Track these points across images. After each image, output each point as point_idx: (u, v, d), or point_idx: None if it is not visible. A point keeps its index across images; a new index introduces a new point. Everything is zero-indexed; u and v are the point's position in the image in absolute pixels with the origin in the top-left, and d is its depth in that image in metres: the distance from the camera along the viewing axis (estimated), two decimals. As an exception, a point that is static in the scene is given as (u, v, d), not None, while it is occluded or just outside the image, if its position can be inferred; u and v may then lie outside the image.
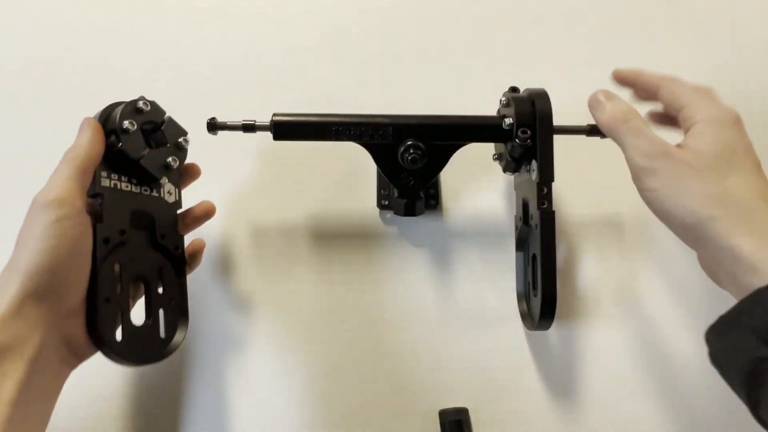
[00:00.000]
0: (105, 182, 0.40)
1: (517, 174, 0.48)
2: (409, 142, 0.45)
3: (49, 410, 0.37)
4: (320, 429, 0.48)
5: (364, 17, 0.57)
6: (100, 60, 0.56)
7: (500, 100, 0.47)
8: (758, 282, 0.32)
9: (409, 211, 0.48)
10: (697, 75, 0.55)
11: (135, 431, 0.48)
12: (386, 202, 0.52)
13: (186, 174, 0.47)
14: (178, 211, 0.46)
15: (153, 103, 0.43)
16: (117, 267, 0.40)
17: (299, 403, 0.48)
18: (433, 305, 0.50)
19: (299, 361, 0.49)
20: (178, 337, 0.43)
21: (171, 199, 0.45)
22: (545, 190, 0.43)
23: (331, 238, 0.52)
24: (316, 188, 0.53)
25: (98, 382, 0.48)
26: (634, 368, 0.49)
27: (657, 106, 0.43)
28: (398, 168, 0.46)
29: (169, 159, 0.43)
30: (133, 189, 0.42)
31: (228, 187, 0.53)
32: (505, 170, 0.48)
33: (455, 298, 0.51)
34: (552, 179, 0.43)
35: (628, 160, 0.38)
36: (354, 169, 0.53)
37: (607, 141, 0.41)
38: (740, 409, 0.35)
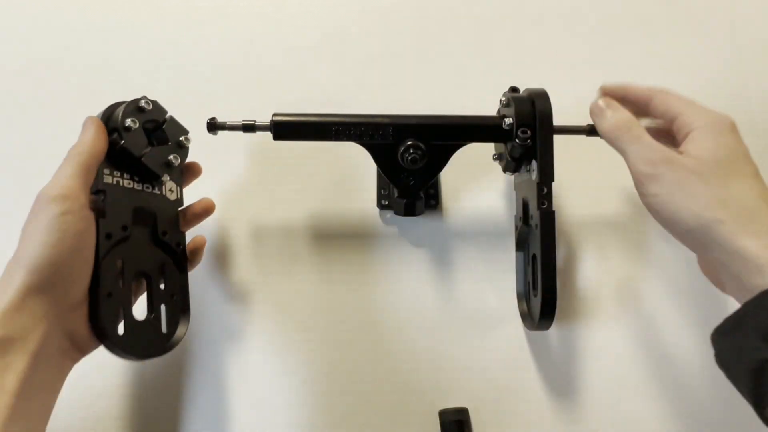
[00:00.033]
0: (108, 179, 0.40)
1: (517, 174, 0.48)
2: (409, 142, 0.45)
3: (52, 402, 0.38)
4: (320, 429, 0.48)
5: (364, 17, 0.57)
6: (100, 60, 0.56)
7: (500, 100, 0.47)
8: (764, 283, 0.33)
9: (409, 211, 0.48)
10: (697, 75, 0.56)
11: (135, 431, 0.48)
12: (386, 202, 0.52)
13: (187, 172, 0.47)
14: (179, 209, 0.46)
15: (155, 103, 0.43)
16: (119, 263, 0.41)
17: (299, 403, 0.48)
18: (433, 305, 0.50)
19: (299, 361, 0.49)
20: (180, 331, 0.44)
21: (172, 196, 0.45)
22: (545, 190, 0.43)
23: (331, 238, 0.52)
24: (316, 188, 0.53)
25: (98, 382, 0.48)
26: (634, 368, 0.49)
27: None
28: (398, 168, 0.46)
29: (171, 157, 0.44)
30: (135, 186, 0.42)
31: (228, 186, 0.53)
32: (505, 170, 0.48)
33: (455, 298, 0.51)
34: (552, 179, 0.43)
35: (631, 166, 0.39)
36: (354, 169, 0.53)
37: (607, 141, 0.41)
38: (740, 408, 0.35)
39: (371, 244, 0.52)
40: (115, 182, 0.41)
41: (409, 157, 0.45)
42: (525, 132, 0.43)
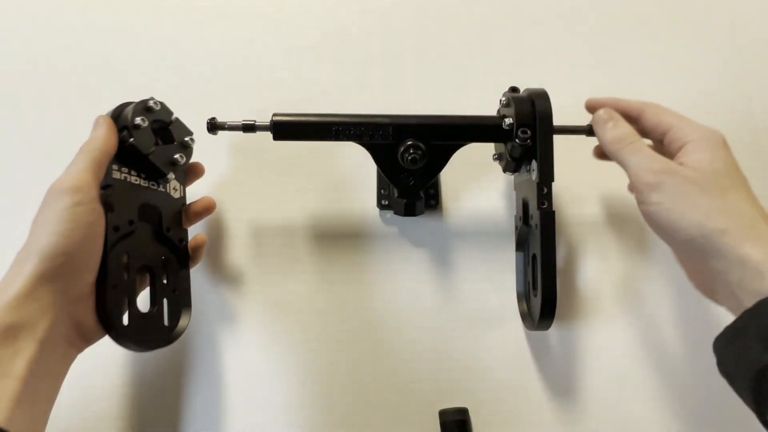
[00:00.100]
0: (116, 174, 0.41)
1: (517, 174, 0.48)
2: (409, 142, 0.45)
3: (56, 389, 0.38)
4: (320, 429, 0.48)
5: (364, 17, 0.57)
6: (100, 60, 0.56)
7: (500, 100, 0.47)
8: (766, 289, 0.33)
9: (409, 211, 0.48)
10: (697, 75, 0.56)
11: (135, 431, 0.48)
12: (386, 202, 0.52)
13: (191, 172, 0.48)
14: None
15: (162, 104, 0.44)
16: (125, 256, 0.42)
17: (298, 404, 0.48)
18: (433, 305, 0.50)
19: (299, 361, 0.49)
20: (182, 323, 0.45)
21: (176, 194, 0.46)
22: (545, 190, 0.43)
23: (331, 238, 0.52)
24: (316, 188, 0.53)
25: (98, 382, 0.48)
26: (634, 368, 0.49)
27: None
28: (398, 168, 0.46)
29: (176, 156, 0.45)
30: (142, 183, 0.44)
31: (228, 186, 0.53)
32: (505, 170, 0.48)
33: (455, 298, 0.50)
34: (552, 179, 0.43)
35: (633, 177, 0.40)
36: (354, 169, 0.53)
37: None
38: (740, 408, 0.35)
39: (371, 244, 0.52)
40: (122, 178, 0.42)
41: (409, 157, 0.45)
42: (525, 132, 0.43)
